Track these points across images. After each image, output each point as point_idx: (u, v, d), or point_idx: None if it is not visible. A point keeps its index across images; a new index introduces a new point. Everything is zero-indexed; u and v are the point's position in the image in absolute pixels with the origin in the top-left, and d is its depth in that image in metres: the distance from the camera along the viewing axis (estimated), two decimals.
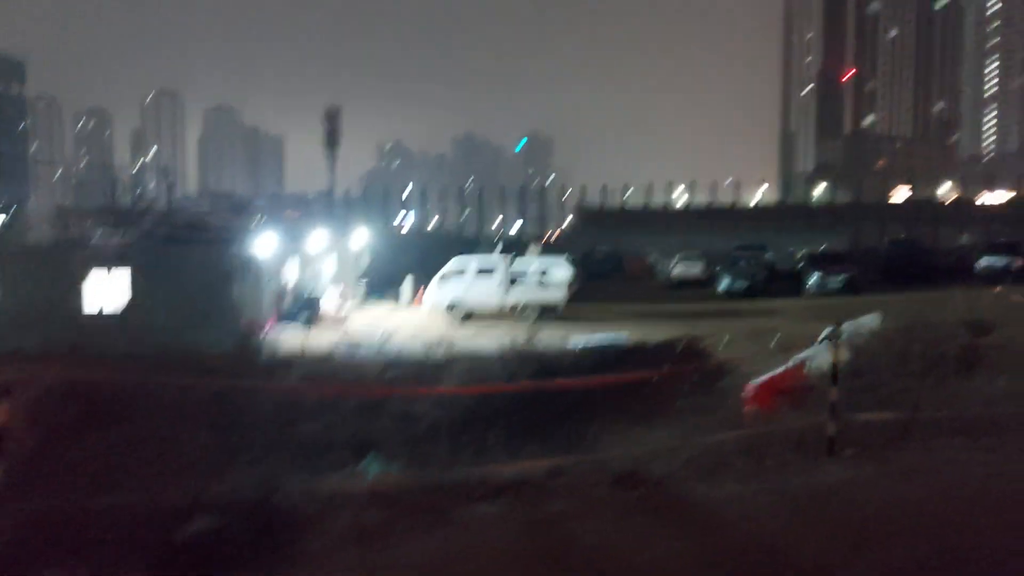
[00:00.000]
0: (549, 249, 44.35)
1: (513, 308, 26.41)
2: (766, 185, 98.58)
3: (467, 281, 26.94)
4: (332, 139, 71.68)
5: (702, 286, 36.09)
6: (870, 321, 16.19)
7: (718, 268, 35.61)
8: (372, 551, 5.10)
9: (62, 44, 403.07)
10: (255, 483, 6.34)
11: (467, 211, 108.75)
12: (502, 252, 29.93)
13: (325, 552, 5.17)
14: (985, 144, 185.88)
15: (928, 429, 7.16)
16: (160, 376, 10.58)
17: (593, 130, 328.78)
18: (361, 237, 36.43)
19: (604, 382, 11.64)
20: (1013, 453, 6.54)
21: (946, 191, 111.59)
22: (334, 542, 5.30)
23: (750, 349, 16.16)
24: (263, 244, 23.85)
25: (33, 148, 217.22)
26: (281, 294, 26.28)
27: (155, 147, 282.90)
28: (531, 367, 13.23)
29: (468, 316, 26.61)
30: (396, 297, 32.11)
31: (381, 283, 33.13)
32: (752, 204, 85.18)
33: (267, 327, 23.34)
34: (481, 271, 27.14)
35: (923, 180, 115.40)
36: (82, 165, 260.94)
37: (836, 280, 30.98)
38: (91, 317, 21.41)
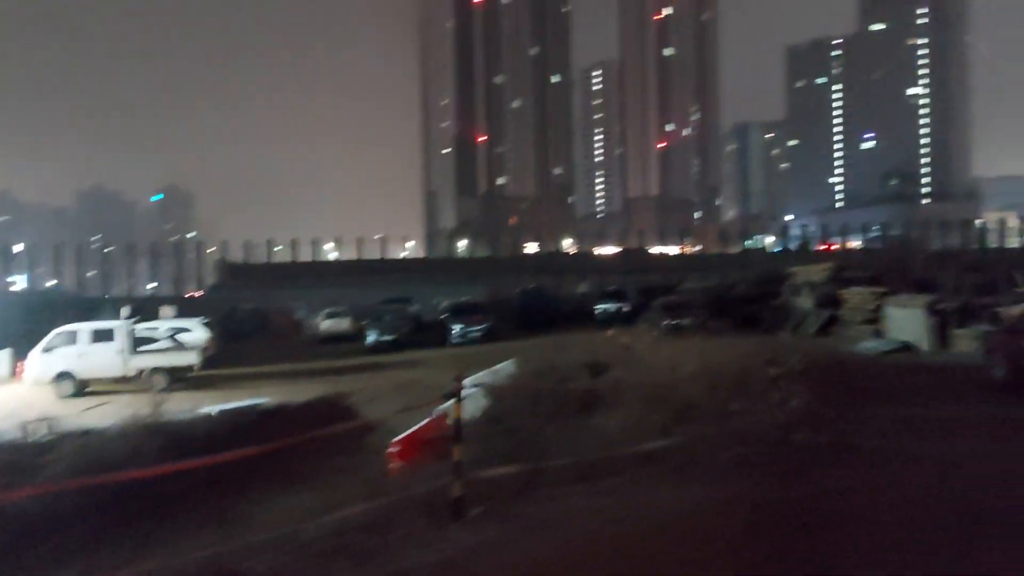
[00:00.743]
0: (190, 309, 40.87)
1: (138, 375, 23.58)
2: (412, 242, 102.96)
3: (79, 349, 23.55)
4: None
5: (350, 341, 35.79)
6: (506, 367, 16.97)
7: (365, 322, 35.54)
8: None
9: None
10: None
11: (92, 271, 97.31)
12: (128, 315, 26.77)
13: None
14: (598, 204, 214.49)
15: (553, 476, 7.24)
16: None
17: (238, 186, 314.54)
18: None
19: (237, 455, 10.43)
20: (628, 493, 6.82)
21: (568, 245, 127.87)
22: None
23: (396, 402, 15.97)
24: None
25: None
26: None
27: None
28: (157, 441, 11.52)
29: (83, 388, 23.25)
30: None
31: None
32: (399, 258, 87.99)
33: None
34: (97, 337, 23.87)
35: (548, 235, 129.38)
36: None
37: (476, 329, 32.51)
38: None
